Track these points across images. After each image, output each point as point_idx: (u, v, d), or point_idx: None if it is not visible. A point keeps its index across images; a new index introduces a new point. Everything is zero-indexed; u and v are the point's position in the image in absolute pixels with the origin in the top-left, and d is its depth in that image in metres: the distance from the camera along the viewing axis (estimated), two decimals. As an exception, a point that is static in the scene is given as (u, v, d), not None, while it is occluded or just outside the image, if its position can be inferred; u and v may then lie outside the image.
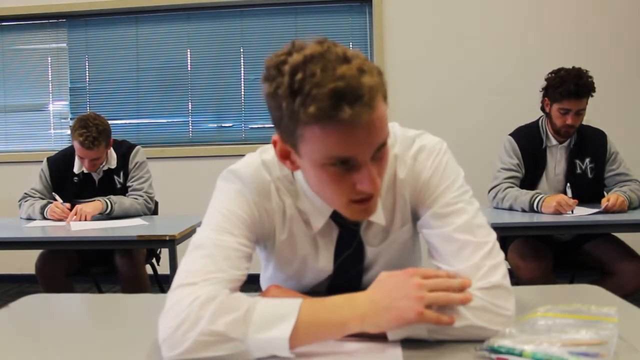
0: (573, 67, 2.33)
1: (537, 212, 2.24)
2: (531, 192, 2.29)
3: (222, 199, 0.93)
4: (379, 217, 0.96)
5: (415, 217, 0.99)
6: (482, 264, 0.84)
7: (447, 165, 0.95)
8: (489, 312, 0.80)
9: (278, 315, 0.75)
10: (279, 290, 0.93)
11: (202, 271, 0.82)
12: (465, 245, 0.86)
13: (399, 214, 0.99)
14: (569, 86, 2.26)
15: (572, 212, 2.19)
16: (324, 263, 1.01)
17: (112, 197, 2.50)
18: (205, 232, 0.89)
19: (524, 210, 2.28)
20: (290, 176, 0.95)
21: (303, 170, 0.86)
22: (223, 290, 0.79)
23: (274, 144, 0.85)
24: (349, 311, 0.77)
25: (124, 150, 2.64)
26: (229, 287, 0.81)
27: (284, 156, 0.86)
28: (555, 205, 2.17)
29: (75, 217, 2.37)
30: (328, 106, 0.71)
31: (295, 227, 0.98)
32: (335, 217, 0.95)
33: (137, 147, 2.69)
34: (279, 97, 0.74)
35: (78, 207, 2.40)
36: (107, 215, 2.46)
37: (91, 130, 2.39)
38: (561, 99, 2.29)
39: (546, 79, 2.39)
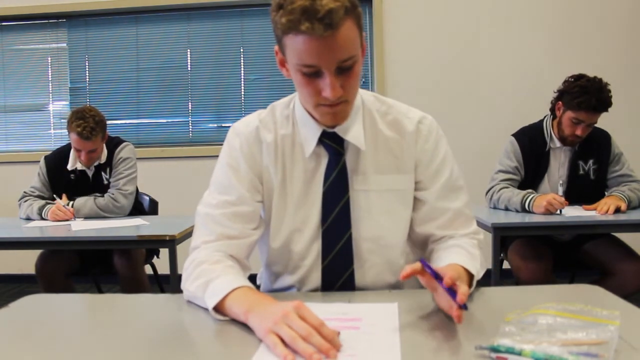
0: (595, 77, 2.26)
1: (529, 212, 2.24)
2: (523, 192, 2.28)
3: (220, 162, 1.15)
4: (359, 140, 1.10)
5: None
6: (478, 229, 1.18)
7: (446, 140, 1.17)
8: (485, 263, 1.13)
9: (217, 291, 0.95)
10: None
11: (200, 239, 1.09)
12: (470, 219, 1.17)
13: (401, 158, 1.13)
14: (590, 99, 2.19)
15: (561, 211, 2.17)
16: (314, 189, 1.12)
17: (77, 201, 2.52)
18: (203, 199, 1.14)
19: (517, 211, 2.28)
20: (291, 113, 1.13)
21: (291, 74, 1.03)
22: (212, 254, 1.06)
23: (276, 53, 1.04)
24: (243, 307, 0.90)
25: (112, 146, 2.65)
26: (220, 247, 1.07)
27: (281, 64, 1.05)
28: (545, 204, 2.16)
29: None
30: (295, 19, 0.91)
31: (288, 159, 1.13)
32: (323, 139, 1.09)
33: (125, 143, 2.68)
34: (273, 14, 0.96)
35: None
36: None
37: (88, 121, 2.42)
38: (578, 109, 2.22)
39: (564, 84, 2.33)
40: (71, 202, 2.52)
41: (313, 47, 0.92)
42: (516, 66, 3.67)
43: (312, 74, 0.97)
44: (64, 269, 2.49)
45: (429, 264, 0.88)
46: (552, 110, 2.40)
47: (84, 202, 2.52)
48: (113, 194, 2.55)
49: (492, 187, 2.40)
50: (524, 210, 2.25)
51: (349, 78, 0.98)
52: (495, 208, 2.39)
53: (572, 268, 2.47)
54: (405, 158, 1.13)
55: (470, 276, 1.02)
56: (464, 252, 1.08)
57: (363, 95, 1.16)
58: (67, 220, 2.45)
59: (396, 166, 1.13)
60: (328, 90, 0.96)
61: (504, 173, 2.39)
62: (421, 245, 1.21)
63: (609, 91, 2.23)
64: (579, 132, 2.26)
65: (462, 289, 0.83)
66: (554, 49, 3.63)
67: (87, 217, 2.53)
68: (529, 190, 2.30)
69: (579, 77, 2.29)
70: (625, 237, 2.35)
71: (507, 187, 2.36)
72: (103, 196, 2.56)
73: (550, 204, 2.15)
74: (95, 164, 2.60)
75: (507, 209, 2.33)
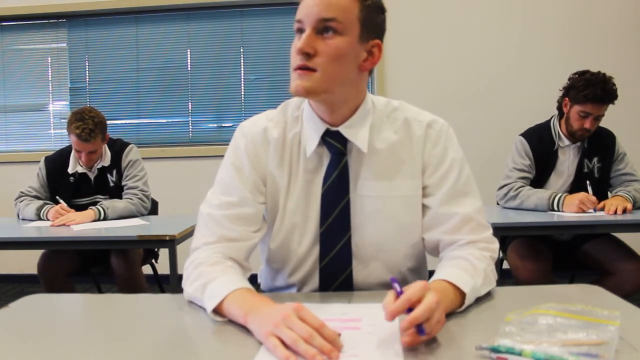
0: (599, 72, 2.30)
1: (557, 211, 2.24)
2: (548, 191, 2.30)
3: (225, 161, 1.14)
4: (362, 142, 1.08)
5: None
6: (492, 239, 1.10)
7: (457, 145, 1.14)
8: (495, 278, 1.06)
9: (215, 293, 0.95)
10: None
11: (201, 240, 1.09)
12: (481, 226, 1.09)
13: (408, 163, 1.11)
14: (595, 90, 2.22)
15: (595, 210, 2.19)
16: (314, 190, 1.11)
17: (105, 202, 2.49)
18: (207, 198, 1.13)
19: (536, 210, 2.28)
20: (301, 114, 1.13)
21: None
22: (212, 255, 1.05)
23: None
24: (242, 310, 0.89)
25: (117, 148, 2.64)
26: (220, 249, 1.06)
27: None
28: (577, 204, 2.18)
29: (60, 221, 2.33)
30: None
31: (294, 160, 1.12)
32: (325, 139, 1.09)
33: (130, 145, 2.68)
34: None
35: (70, 215, 2.38)
36: (101, 221, 2.45)
37: (87, 122, 2.41)
38: (585, 102, 2.26)
39: (570, 80, 2.37)
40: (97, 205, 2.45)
41: (304, 2, 1.01)
42: (518, 66, 3.66)
43: (299, 32, 1.01)
44: (65, 268, 2.48)
45: (400, 286, 0.81)
46: (559, 108, 2.43)
47: (116, 202, 2.50)
48: (139, 196, 2.55)
49: (508, 184, 2.40)
50: (550, 208, 2.26)
51: (325, 45, 0.99)
52: (505, 206, 2.40)
53: (572, 268, 2.47)
54: (412, 163, 1.11)
55: (462, 292, 0.93)
56: (467, 266, 1.01)
57: (375, 100, 1.15)
58: (65, 223, 2.34)
59: (403, 171, 1.11)
60: (299, 42, 0.99)
61: (519, 171, 2.40)
62: (433, 252, 1.15)
63: (614, 84, 2.26)
64: (587, 125, 2.28)
65: (415, 313, 0.76)
66: (558, 48, 3.62)
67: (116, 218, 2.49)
68: (553, 190, 2.32)
69: (583, 72, 2.33)
70: (625, 237, 2.35)
71: (524, 186, 2.37)
72: (120, 198, 2.55)
73: (582, 203, 2.18)
74: (99, 166, 2.59)
75: (519, 207, 2.33)
